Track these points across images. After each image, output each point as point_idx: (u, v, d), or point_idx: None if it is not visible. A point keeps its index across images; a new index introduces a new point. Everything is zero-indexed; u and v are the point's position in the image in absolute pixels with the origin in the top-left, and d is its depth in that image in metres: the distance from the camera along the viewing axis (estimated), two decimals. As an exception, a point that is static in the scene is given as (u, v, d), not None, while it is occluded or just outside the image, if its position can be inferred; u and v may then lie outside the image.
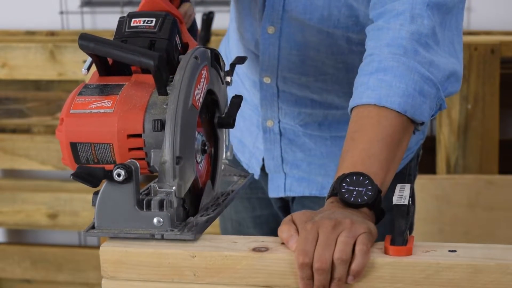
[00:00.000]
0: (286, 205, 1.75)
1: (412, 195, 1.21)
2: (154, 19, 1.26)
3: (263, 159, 1.70)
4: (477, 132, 2.59)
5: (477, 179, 2.56)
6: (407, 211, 1.17)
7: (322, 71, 1.58)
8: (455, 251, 1.15)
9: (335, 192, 1.23)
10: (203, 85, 1.22)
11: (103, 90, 1.21)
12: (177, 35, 1.28)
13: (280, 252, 1.17)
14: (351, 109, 1.34)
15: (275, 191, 1.70)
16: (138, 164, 1.16)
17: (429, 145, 2.63)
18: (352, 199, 1.21)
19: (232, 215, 1.82)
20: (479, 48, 2.53)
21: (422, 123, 1.34)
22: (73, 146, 1.19)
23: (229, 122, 1.32)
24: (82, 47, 1.21)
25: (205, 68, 1.23)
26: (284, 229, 1.19)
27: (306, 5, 1.51)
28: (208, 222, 1.23)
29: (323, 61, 1.57)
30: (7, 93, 3.01)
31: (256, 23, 1.59)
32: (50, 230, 3.17)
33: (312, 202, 1.66)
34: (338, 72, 1.58)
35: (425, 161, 1.96)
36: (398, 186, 1.22)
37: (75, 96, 1.21)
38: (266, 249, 1.17)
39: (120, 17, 1.29)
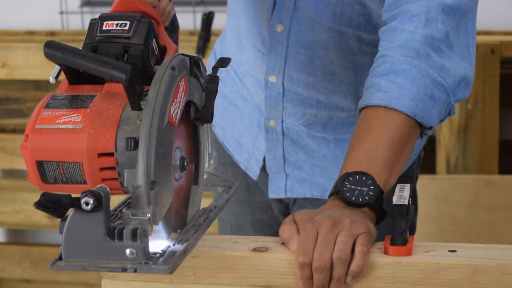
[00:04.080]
0: (286, 208, 1.74)
1: (414, 196, 1.21)
2: (128, 22, 1.17)
3: (263, 160, 1.69)
4: (477, 132, 2.59)
5: (477, 179, 2.56)
6: (407, 211, 1.17)
7: (330, 70, 1.57)
8: (455, 251, 1.15)
9: (337, 190, 1.23)
10: (180, 99, 1.12)
11: (72, 102, 1.12)
12: (154, 39, 1.18)
13: (280, 252, 1.16)
14: (360, 110, 1.33)
15: (275, 191, 1.69)
16: (108, 190, 1.05)
17: (429, 145, 2.62)
18: (353, 198, 1.21)
19: (231, 219, 1.80)
20: (479, 48, 2.53)
21: (430, 128, 1.34)
22: (40, 164, 1.10)
23: (207, 116, 1.20)
24: (48, 56, 1.11)
25: (183, 79, 1.12)
26: (285, 229, 1.19)
27: (318, 2, 1.50)
28: (187, 251, 1.14)
29: (332, 60, 1.56)
30: (7, 93, 3.00)
31: (264, 21, 1.57)
32: (50, 230, 3.17)
33: (313, 206, 1.65)
34: (347, 72, 1.57)
35: (425, 161, 1.96)
36: (398, 186, 1.22)
37: (42, 109, 1.11)
38: (266, 249, 1.17)
39: (91, 19, 1.19)
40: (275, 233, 1.21)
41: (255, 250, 1.17)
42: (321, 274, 1.12)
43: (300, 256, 1.13)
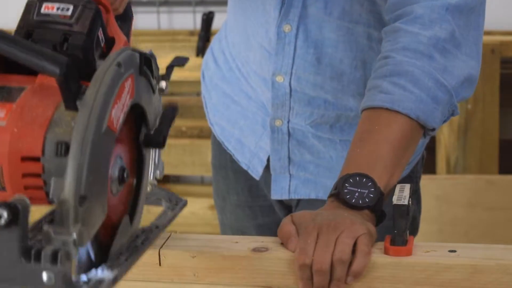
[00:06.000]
0: (289, 211, 1.70)
1: (417, 196, 1.21)
2: (71, 7, 1.00)
3: (267, 160, 1.67)
4: (477, 132, 2.59)
5: (477, 179, 2.57)
6: (407, 211, 1.17)
7: (339, 69, 1.56)
8: (455, 251, 1.15)
9: (337, 191, 1.23)
10: (125, 101, 0.95)
11: None
12: (100, 28, 1.03)
13: (280, 252, 1.16)
14: (362, 110, 1.33)
15: (278, 192, 1.66)
16: (28, 202, 0.87)
17: (429, 145, 2.62)
18: (353, 200, 1.21)
19: (233, 223, 1.78)
20: (479, 48, 2.53)
21: (433, 129, 1.34)
22: None
23: (159, 141, 1.04)
24: None
25: (129, 79, 0.96)
26: (284, 229, 1.18)
27: (327, 0, 1.49)
28: (117, 279, 0.97)
29: (340, 59, 1.55)
30: (7, 93, 3.00)
31: (271, 21, 1.55)
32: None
33: (317, 207, 1.63)
34: (356, 71, 1.56)
35: (425, 161, 1.96)
36: (398, 186, 1.22)
37: None
38: (266, 249, 1.17)
39: (29, 0, 1.02)
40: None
41: (255, 250, 1.17)
42: (321, 276, 1.12)
43: (300, 257, 1.13)
